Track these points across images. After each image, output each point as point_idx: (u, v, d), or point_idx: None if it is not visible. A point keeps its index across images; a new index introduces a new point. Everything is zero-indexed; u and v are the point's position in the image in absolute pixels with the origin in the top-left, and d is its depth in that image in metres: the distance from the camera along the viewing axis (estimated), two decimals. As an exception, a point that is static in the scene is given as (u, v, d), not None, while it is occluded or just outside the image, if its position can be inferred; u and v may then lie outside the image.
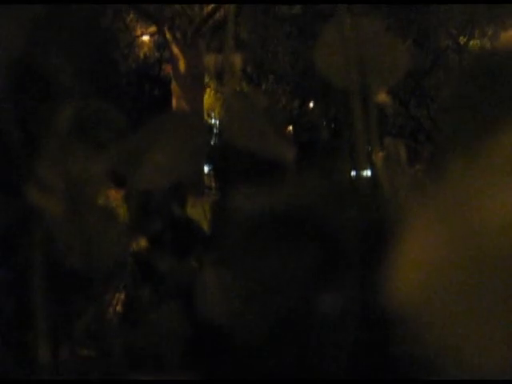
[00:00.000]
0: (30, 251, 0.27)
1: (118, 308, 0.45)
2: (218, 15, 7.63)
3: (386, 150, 0.57)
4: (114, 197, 0.49)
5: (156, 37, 11.23)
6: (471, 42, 11.56)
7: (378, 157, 0.60)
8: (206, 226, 0.53)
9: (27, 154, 0.26)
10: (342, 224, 0.25)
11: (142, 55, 12.92)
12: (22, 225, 0.27)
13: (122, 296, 0.45)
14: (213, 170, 0.42)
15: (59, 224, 0.29)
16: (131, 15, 10.18)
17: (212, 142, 0.44)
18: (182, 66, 7.83)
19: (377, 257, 0.19)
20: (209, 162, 0.43)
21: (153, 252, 0.43)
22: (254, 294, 0.36)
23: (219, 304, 0.38)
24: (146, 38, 12.18)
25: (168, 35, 7.93)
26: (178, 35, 7.82)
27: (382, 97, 0.58)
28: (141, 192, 0.40)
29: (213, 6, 7.36)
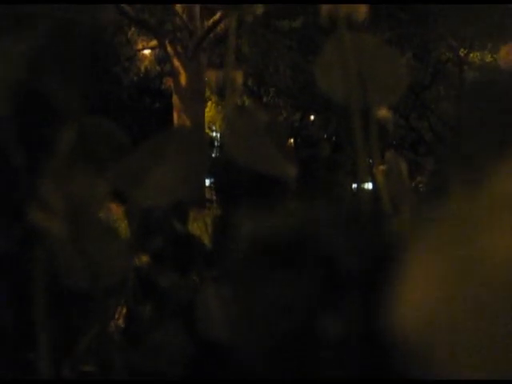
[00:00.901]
0: (32, 270, 0.28)
1: (120, 324, 0.45)
2: (218, 29, 7.68)
3: (387, 165, 0.57)
4: (116, 212, 0.50)
5: (157, 50, 11.28)
6: (471, 55, 11.61)
7: (379, 172, 0.60)
8: (207, 241, 0.53)
9: (29, 174, 0.26)
10: (344, 246, 0.25)
11: (143, 69, 12.98)
12: (24, 244, 0.27)
13: (124, 312, 0.45)
14: (214, 183, 0.42)
15: (61, 242, 0.29)
16: (132, 29, 10.24)
17: (214, 157, 0.44)
18: (183, 79, 7.87)
19: (379, 282, 0.19)
20: (210, 176, 0.43)
21: (154, 268, 0.43)
22: (255, 312, 0.36)
23: (220, 321, 0.38)
24: (147, 51, 12.24)
25: (169, 49, 7.98)
26: (180, 49, 7.86)
27: (383, 113, 0.59)
28: (142, 208, 0.40)
29: (214, 19, 7.40)
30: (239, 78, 0.66)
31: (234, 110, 0.40)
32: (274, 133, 0.38)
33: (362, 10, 0.61)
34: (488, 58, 11.57)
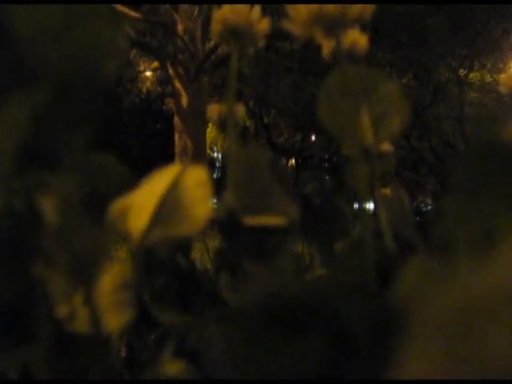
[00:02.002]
0: (35, 319, 0.27)
1: (122, 364, 0.45)
2: (220, 51, 7.73)
3: (389, 199, 0.57)
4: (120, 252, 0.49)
5: (159, 72, 11.35)
6: (471, 75, 11.66)
7: (382, 196, 0.60)
8: (209, 270, 0.52)
9: (32, 227, 0.26)
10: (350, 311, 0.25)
11: (144, 90, 13.05)
12: (26, 295, 0.27)
13: (126, 352, 0.45)
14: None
15: (64, 292, 0.29)
16: (134, 51, 10.31)
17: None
18: (184, 100, 7.90)
19: (384, 347, 0.19)
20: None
21: (156, 307, 0.43)
22: (258, 354, 0.35)
23: (223, 362, 0.38)
24: (148, 73, 12.32)
25: (171, 71, 8.02)
26: (181, 71, 7.90)
27: (386, 146, 0.59)
28: (146, 247, 0.40)
29: (215, 42, 7.44)
30: (240, 111, 0.67)
31: (236, 152, 0.40)
32: (276, 174, 0.38)
33: (363, 44, 0.61)
34: (488, 78, 11.62)
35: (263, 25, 0.59)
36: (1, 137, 0.20)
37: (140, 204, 0.39)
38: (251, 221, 0.38)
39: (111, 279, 0.33)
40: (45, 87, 0.20)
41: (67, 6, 0.23)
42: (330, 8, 0.40)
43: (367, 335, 0.24)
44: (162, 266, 0.44)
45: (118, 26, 0.23)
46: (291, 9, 0.42)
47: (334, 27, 0.41)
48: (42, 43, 0.21)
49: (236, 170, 0.39)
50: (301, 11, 0.41)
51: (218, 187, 0.43)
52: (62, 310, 0.31)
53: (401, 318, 0.18)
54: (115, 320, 0.33)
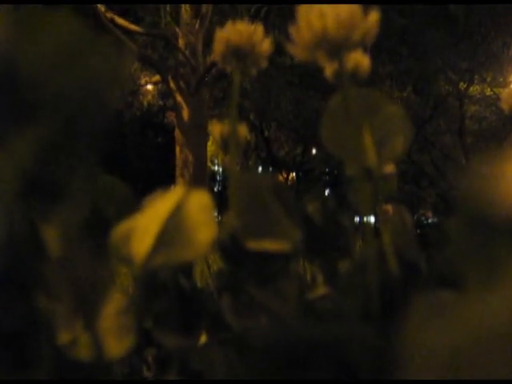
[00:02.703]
0: (36, 346, 0.27)
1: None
2: (220, 64, 7.73)
3: (392, 220, 0.57)
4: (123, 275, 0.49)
5: (160, 85, 11.39)
6: (471, 88, 11.70)
7: (384, 211, 0.60)
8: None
9: (35, 255, 0.26)
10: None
11: (146, 103, 13.08)
12: (28, 322, 0.27)
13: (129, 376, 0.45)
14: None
15: (65, 316, 0.28)
16: (135, 64, 10.35)
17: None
18: (185, 114, 7.92)
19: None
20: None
21: (159, 330, 0.42)
22: (263, 375, 0.35)
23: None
24: (150, 86, 12.35)
25: (172, 84, 8.04)
26: (182, 84, 7.92)
27: (389, 167, 0.59)
28: (149, 271, 0.39)
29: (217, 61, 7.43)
30: (243, 130, 0.67)
31: (238, 175, 0.40)
32: (279, 197, 0.38)
33: (366, 65, 0.62)
34: (488, 92, 11.66)
35: (266, 45, 0.59)
36: (3, 167, 0.20)
37: (143, 228, 0.39)
38: (254, 245, 0.38)
39: (113, 305, 0.32)
40: (47, 118, 0.20)
41: (69, 37, 0.23)
42: (333, 32, 0.40)
43: (369, 374, 0.24)
44: (165, 288, 0.44)
45: (121, 56, 0.23)
46: (294, 32, 0.42)
47: (338, 51, 0.41)
48: (44, 75, 0.21)
49: (238, 193, 0.39)
50: (304, 35, 0.41)
51: (219, 201, 0.43)
52: (63, 337, 0.31)
53: (404, 357, 0.18)
54: (117, 346, 0.32)
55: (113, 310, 0.31)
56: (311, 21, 0.41)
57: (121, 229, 0.39)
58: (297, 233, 0.37)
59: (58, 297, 0.27)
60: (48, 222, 0.25)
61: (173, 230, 0.39)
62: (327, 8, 0.42)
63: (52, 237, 0.26)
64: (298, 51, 0.42)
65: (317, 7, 0.42)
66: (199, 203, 0.39)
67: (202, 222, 0.37)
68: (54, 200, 0.24)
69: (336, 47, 0.40)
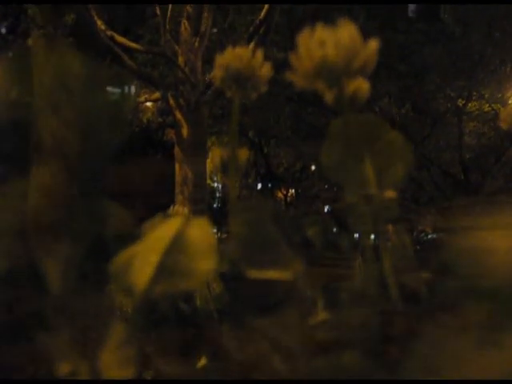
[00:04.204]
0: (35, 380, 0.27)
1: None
2: (220, 82, 7.75)
3: (391, 240, 0.57)
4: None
5: (159, 103, 11.42)
6: (469, 105, 11.73)
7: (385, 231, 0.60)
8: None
9: (35, 290, 0.26)
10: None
11: (145, 120, 13.11)
12: (27, 354, 0.26)
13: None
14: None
15: (65, 348, 0.28)
16: (135, 82, 10.38)
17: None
18: (185, 131, 7.93)
19: None
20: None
21: (159, 358, 0.42)
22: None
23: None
24: (149, 103, 12.38)
25: (171, 101, 8.07)
26: (182, 101, 7.95)
27: (390, 193, 0.59)
28: (150, 300, 0.39)
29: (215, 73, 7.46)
30: (243, 155, 0.67)
31: (239, 204, 0.40)
32: (279, 225, 0.38)
33: (365, 91, 0.62)
34: (486, 108, 11.69)
35: (265, 69, 0.59)
36: (6, 208, 0.20)
37: (143, 257, 0.39)
38: (255, 274, 0.38)
39: (114, 336, 0.32)
40: (48, 159, 0.20)
41: (72, 74, 0.23)
42: (333, 60, 0.40)
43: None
44: (166, 316, 0.44)
45: (125, 93, 0.23)
46: (294, 60, 0.42)
47: (338, 79, 0.41)
48: (46, 113, 0.21)
49: (239, 222, 0.39)
50: (304, 63, 0.41)
51: (219, 218, 0.43)
52: (62, 368, 0.31)
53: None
54: (119, 377, 0.32)
55: (114, 342, 0.30)
56: (311, 49, 0.41)
57: (121, 258, 0.39)
58: (298, 263, 0.37)
59: (59, 329, 0.27)
60: (49, 257, 0.25)
61: (173, 258, 0.39)
62: (327, 36, 0.42)
63: (53, 271, 0.26)
64: (298, 79, 0.42)
65: (317, 35, 0.42)
66: (199, 232, 0.39)
67: (203, 251, 0.37)
68: (56, 236, 0.24)
69: (336, 75, 0.41)
